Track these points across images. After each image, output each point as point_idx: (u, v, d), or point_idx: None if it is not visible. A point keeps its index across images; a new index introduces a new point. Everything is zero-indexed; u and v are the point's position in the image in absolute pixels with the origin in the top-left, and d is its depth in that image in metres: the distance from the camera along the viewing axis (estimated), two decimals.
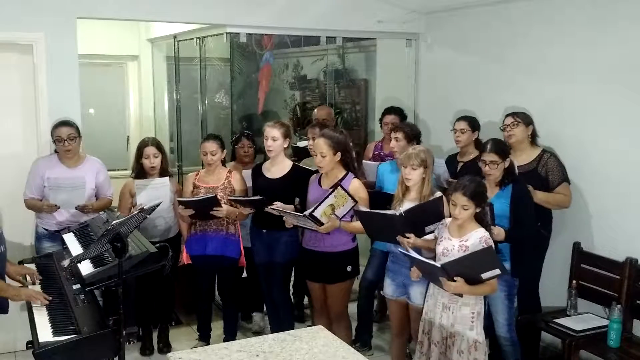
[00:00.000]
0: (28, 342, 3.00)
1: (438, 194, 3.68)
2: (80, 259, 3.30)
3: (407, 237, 3.53)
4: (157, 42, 7.20)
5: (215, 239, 4.44)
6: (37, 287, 3.50)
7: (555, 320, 4.02)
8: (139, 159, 4.51)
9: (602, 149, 4.19)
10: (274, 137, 4.23)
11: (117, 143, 7.38)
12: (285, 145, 4.30)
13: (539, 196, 4.00)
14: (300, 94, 7.86)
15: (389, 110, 5.18)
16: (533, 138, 4.27)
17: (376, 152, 5.20)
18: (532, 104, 4.49)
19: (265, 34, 6.63)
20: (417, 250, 3.51)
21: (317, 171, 4.14)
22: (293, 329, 3.85)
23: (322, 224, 3.82)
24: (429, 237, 3.60)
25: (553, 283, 4.40)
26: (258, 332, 4.96)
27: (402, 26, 5.59)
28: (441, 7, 5.43)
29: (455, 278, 3.22)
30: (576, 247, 4.29)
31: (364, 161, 4.94)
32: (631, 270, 3.95)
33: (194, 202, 4.31)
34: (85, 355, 2.93)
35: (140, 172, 4.52)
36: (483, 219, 3.40)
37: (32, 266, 3.76)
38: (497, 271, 3.21)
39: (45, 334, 2.96)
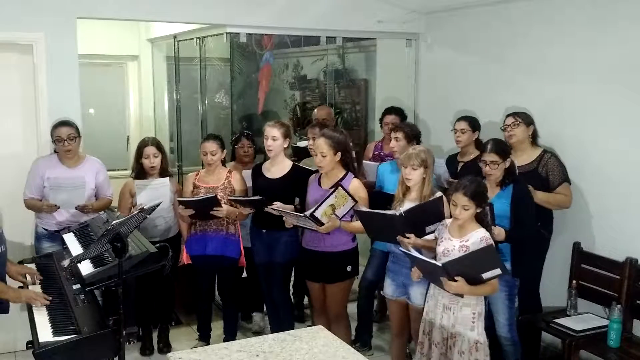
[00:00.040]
0: (28, 342, 3.00)
1: (438, 194, 3.68)
2: (80, 259, 3.30)
3: (407, 237, 3.53)
4: (157, 42, 7.20)
5: (215, 239, 4.44)
6: (37, 287, 3.50)
7: (555, 320, 4.02)
8: (139, 158, 4.51)
9: (603, 149, 4.19)
10: (274, 136, 4.23)
11: (117, 143, 7.38)
12: (285, 145, 4.30)
13: (539, 196, 4.00)
14: (300, 94, 7.86)
15: (389, 111, 5.17)
16: (534, 138, 4.27)
17: (376, 152, 5.20)
18: (532, 104, 4.49)
19: (265, 34, 6.63)
20: (418, 250, 3.51)
21: (316, 171, 4.14)
22: (293, 329, 3.85)
23: (322, 224, 3.82)
24: (430, 237, 3.59)
25: (553, 283, 4.40)
26: (258, 332, 4.96)
27: (402, 26, 5.59)
28: (441, 7, 5.43)
29: (456, 278, 3.21)
30: (576, 247, 4.29)
31: (364, 161, 4.94)
32: (631, 270, 3.95)
33: (194, 202, 4.31)
34: (85, 355, 2.93)
35: (140, 172, 4.52)
36: (484, 220, 3.40)
37: (32, 266, 3.76)
38: (498, 271, 3.21)
39: (45, 334, 2.96)
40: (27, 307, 3.30)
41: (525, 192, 3.82)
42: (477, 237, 3.31)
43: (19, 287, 3.59)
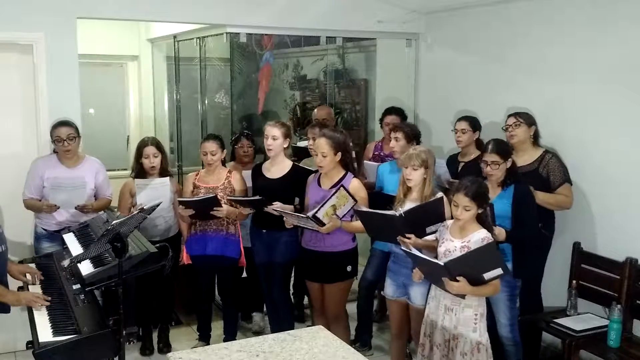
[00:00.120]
0: (28, 342, 3.01)
1: (439, 194, 3.67)
2: (80, 259, 3.30)
3: (408, 238, 3.53)
4: (157, 42, 7.20)
5: (215, 239, 4.44)
6: (37, 287, 3.50)
7: (555, 320, 4.02)
8: (139, 158, 4.51)
9: (603, 149, 4.18)
10: (274, 136, 4.23)
11: (117, 143, 7.38)
12: (285, 145, 4.30)
13: (540, 197, 3.99)
14: (300, 94, 7.85)
15: (389, 111, 5.17)
16: (535, 138, 4.26)
17: (376, 152, 5.20)
18: (532, 104, 4.49)
19: (265, 34, 6.63)
20: (418, 250, 3.50)
21: (316, 171, 4.14)
22: (293, 329, 3.85)
23: (323, 224, 3.82)
24: (430, 237, 3.59)
25: (553, 283, 4.40)
26: (258, 332, 4.96)
27: (402, 26, 5.59)
28: (441, 7, 5.43)
29: (457, 278, 3.21)
30: (576, 247, 4.29)
31: (364, 161, 4.95)
32: (631, 270, 3.95)
33: (194, 202, 4.31)
34: (85, 355, 2.93)
35: (140, 172, 4.52)
36: (485, 220, 3.38)
37: (32, 266, 3.76)
38: (500, 271, 3.19)
39: (45, 334, 2.96)
40: (27, 307, 3.30)
41: (527, 193, 3.81)
42: (479, 238, 3.30)
43: (19, 287, 3.60)
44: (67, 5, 4.51)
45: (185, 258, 4.54)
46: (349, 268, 4.08)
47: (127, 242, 3.04)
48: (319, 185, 4.07)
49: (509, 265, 3.67)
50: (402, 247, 3.52)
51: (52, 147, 4.40)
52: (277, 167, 4.31)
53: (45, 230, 4.37)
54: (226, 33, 5.20)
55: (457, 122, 4.65)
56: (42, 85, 4.51)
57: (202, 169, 4.60)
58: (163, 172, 4.53)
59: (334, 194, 3.79)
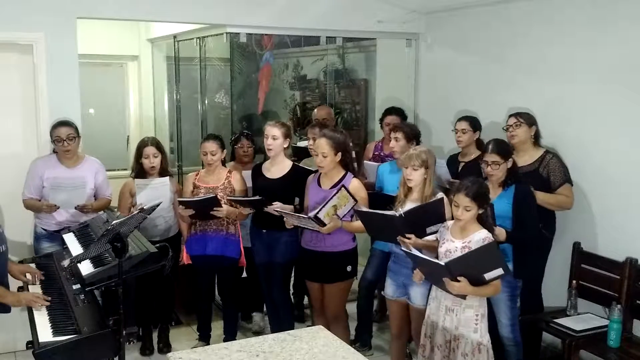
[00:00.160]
0: (28, 342, 3.00)
1: (440, 195, 3.67)
2: (80, 259, 3.30)
3: (408, 238, 3.53)
4: (157, 42, 7.20)
5: (215, 239, 4.44)
6: (37, 287, 3.50)
7: (555, 320, 4.02)
8: (139, 158, 4.51)
9: (603, 149, 4.18)
10: (274, 136, 4.23)
11: (117, 143, 7.38)
12: (286, 145, 4.30)
13: (540, 197, 3.99)
14: (300, 94, 7.85)
15: (389, 111, 5.17)
16: (536, 139, 4.26)
17: (376, 153, 5.20)
18: (532, 104, 4.49)
19: (265, 34, 6.63)
20: (418, 251, 3.50)
21: (316, 171, 4.14)
22: (293, 329, 3.85)
23: (324, 224, 3.82)
24: (431, 237, 3.58)
25: (553, 283, 4.40)
26: (258, 332, 4.96)
27: (402, 26, 5.59)
28: (441, 7, 5.43)
29: (458, 278, 3.20)
30: (576, 247, 4.29)
31: (365, 162, 4.95)
32: (631, 270, 3.95)
33: (194, 202, 4.31)
34: (85, 355, 2.93)
35: (140, 172, 4.52)
36: (486, 221, 3.38)
37: (32, 266, 3.76)
38: (501, 271, 3.18)
39: (45, 334, 2.97)
40: (27, 307, 3.30)
41: (527, 193, 3.80)
42: (479, 238, 3.30)
43: (19, 287, 3.60)
44: (67, 5, 4.51)
45: (185, 258, 4.54)
46: (349, 268, 4.08)
47: (127, 242, 3.04)
48: (319, 185, 4.07)
49: (510, 266, 3.67)
50: (402, 248, 3.52)
51: (52, 147, 4.40)
52: (277, 167, 4.31)
53: (45, 230, 4.37)
54: (226, 33, 5.20)
55: (457, 122, 4.65)
56: (42, 85, 4.51)
57: (202, 169, 4.60)
58: (163, 172, 4.53)
59: (335, 194, 3.79)
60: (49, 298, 3.28)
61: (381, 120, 5.23)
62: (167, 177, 4.54)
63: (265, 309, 4.97)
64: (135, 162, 4.57)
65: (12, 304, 3.36)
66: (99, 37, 6.51)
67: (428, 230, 3.58)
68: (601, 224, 4.23)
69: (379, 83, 6.51)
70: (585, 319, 4.03)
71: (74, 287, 3.35)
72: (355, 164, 4.15)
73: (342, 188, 3.81)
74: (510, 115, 4.29)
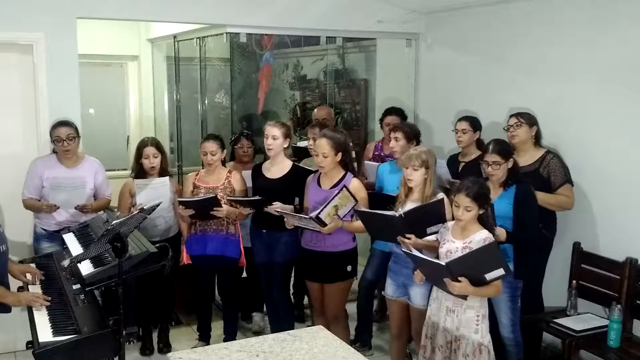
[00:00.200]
0: (28, 342, 3.00)
1: (440, 195, 3.66)
2: (80, 259, 3.30)
3: (408, 238, 3.53)
4: (157, 42, 7.20)
5: (215, 239, 4.44)
6: (37, 287, 3.50)
7: (555, 320, 4.02)
8: (139, 159, 4.51)
9: (603, 149, 4.18)
10: (274, 135, 4.23)
11: (117, 143, 7.38)
12: (286, 146, 4.30)
13: (540, 197, 3.98)
14: (300, 94, 7.85)
15: (389, 111, 5.17)
16: (537, 139, 4.26)
17: (376, 153, 5.19)
18: (532, 104, 4.49)
19: (265, 34, 6.63)
20: (419, 251, 3.50)
21: (316, 171, 4.14)
22: (293, 329, 3.85)
23: (325, 224, 3.82)
24: (431, 238, 3.58)
25: (554, 283, 4.40)
26: (258, 332, 4.96)
27: (402, 26, 5.59)
28: (441, 7, 5.43)
29: (459, 278, 3.19)
30: (576, 247, 4.29)
31: (365, 162, 4.95)
32: (631, 270, 3.95)
33: (194, 202, 4.31)
34: (85, 355, 2.93)
35: (140, 172, 4.52)
36: (486, 221, 3.37)
37: (32, 266, 3.76)
38: (502, 271, 3.17)
39: (45, 334, 2.96)
40: (27, 307, 3.30)
41: (528, 193, 3.78)
42: (480, 238, 3.29)
43: (19, 287, 3.60)
44: (67, 5, 4.51)
45: (185, 258, 4.54)
46: (349, 268, 4.08)
47: (127, 242, 3.04)
48: (319, 185, 4.07)
49: (510, 266, 3.66)
50: (402, 248, 3.52)
51: (52, 147, 4.40)
52: (277, 167, 4.31)
53: (44, 230, 4.37)
54: (226, 33, 5.20)
55: (457, 122, 4.65)
56: (42, 85, 4.51)
57: (202, 169, 4.60)
58: (163, 173, 4.53)
59: (336, 195, 3.79)
60: (49, 298, 3.28)
61: (381, 120, 5.23)
62: (167, 177, 4.54)
63: (265, 309, 4.97)
64: (135, 162, 4.57)
65: (12, 304, 3.36)
66: (99, 37, 6.51)
67: (428, 230, 3.57)
68: (601, 224, 4.23)
69: (379, 83, 6.51)
70: (585, 319, 4.03)
71: (74, 287, 3.35)
72: (355, 164, 4.15)
73: (344, 188, 3.81)
74: (511, 116, 4.29)
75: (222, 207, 4.27)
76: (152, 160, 4.47)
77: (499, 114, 4.71)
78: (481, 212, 3.33)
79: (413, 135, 4.32)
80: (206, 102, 6.44)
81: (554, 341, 4.32)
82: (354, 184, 3.96)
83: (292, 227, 4.06)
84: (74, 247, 3.75)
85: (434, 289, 3.52)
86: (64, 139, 4.26)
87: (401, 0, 5.45)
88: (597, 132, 4.22)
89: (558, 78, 4.47)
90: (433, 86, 5.70)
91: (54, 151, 4.39)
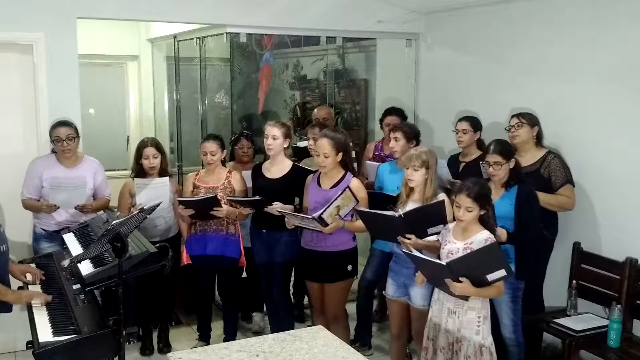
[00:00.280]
0: (28, 342, 3.00)
1: (441, 196, 3.66)
2: (80, 259, 3.30)
3: (408, 239, 3.52)
4: (157, 42, 7.20)
5: (215, 239, 4.44)
6: (37, 287, 3.50)
7: (555, 320, 4.02)
8: (139, 159, 4.51)
9: (603, 149, 4.18)
10: (274, 135, 4.23)
11: (117, 143, 7.38)
12: (286, 146, 4.30)
13: (541, 197, 3.95)
14: (300, 94, 7.85)
15: (389, 111, 5.17)
16: (538, 139, 4.25)
17: (376, 153, 5.19)
18: (532, 104, 4.49)
19: (265, 34, 6.63)
20: (419, 251, 3.49)
21: (316, 171, 4.14)
22: (293, 329, 3.85)
23: (327, 224, 3.82)
24: (432, 238, 3.58)
25: (554, 283, 4.40)
26: (258, 332, 4.96)
27: (402, 26, 5.59)
28: (441, 7, 5.43)
29: (460, 279, 3.18)
30: (576, 247, 4.29)
31: (366, 162, 4.95)
32: (631, 270, 3.95)
33: (194, 202, 4.31)
34: (85, 355, 2.93)
35: (139, 172, 4.52)
36: (487, 222, 3.36)
37: (33, 266, 3.76)
38: (503, 272, 3.16)
39: (45, 334, 2.96)
40: (27, 307, 3.30)
41: (530, 194, 3.77)
42: (481, 239, 3.28)
43: (19, 287, 3.60)
44: (67, 5, 4.51)
45: (185, 258, 4.54)
46: (349, 267, 4.08)
47: (127, 242, 3.03)
48: (319, 185, 4.07)
49: (512, 267, 3.66)
50: (403, 248, 3.52)
51: (52, 147, 4.40)
52: (277, 167, 4.31)
53: (44, 230, 4.37)
54: (226, 33, 5.21)
55: (458, 122, 4.64)
56: (42, 85, 4.51)
57: (202, 169, 4.60)
58: (163, 173, 4.53)
59: (339, 195, 3.79)
60: (50, 297, 3.28)
61: (381, 120, 5.23)
62: (167, 177, 4.54)
63: (265, 309, 4.97)
64: (135, 162, 4.57)
65: (13, 302, 3.36)
66: (99, 37, 6.51)
67: (429, 231, 3.57)
68: (602, 224, 4.22)
69: (379, 83, 6.51)
70: (585, 319, 4.03)
71: (74, 287, 3.35)
72: (355, 164, 4.15)
73: (347, 189, 3.81)
74: (513, 116, 4.29)
75: (222, 207, 4.27)
76: (152, 160, 4.47)
77: (499, 114, 4.71)
78: (482, 212, 3.32)
79: (413, 135, 4.32)
80: (206, 102, 6.44)
81: (554, 341, 4.32)
82: (354, 183, 3.96)
83: (293, 227, 4.06)
84: (74, 247, 3.75)
85: (436, 290, 3.51)
86: (64, 139, 4.26)
87: (401, 0, 5.45)
88: (597, 132, 4.22)
89: (558, 78, 4.47)
90: (433, 86, 5.70)
91: (53, 151, 4.39)
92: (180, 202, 4.33)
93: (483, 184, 3.40)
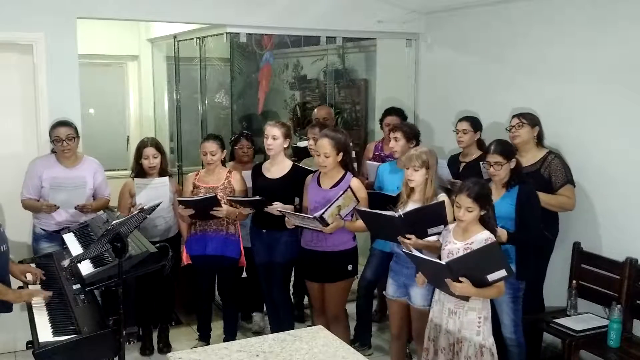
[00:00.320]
0: (28, 342, 3.01)
1: (441, 197, 3.65)
2: (80, 259, 3.30)
3: (408, 239, 3.52)
4: (157, 42, 7.20)
5: (215, 239, 4.44)
6: (38, 287, 3.50)
7: (555, 320, 4.02)
8: (139, 159, 4.52)
9: (603, 149, 4.18)
10: (274, 135, 4.23)
11: (117, 143, 7.38)
12: (286, 146, 4.30)
13: (541, 197, 3.96)
14: (300, 94, 7.85)
15: (389, 111, 5.17)
16: (539, 139, 4.25)
17: (376, 153, 5.19)
18: (532, 104, 4.49)
19: (265, 34, 6.63)
20: (419, 251, 3.49)
21: (316, 171, 4.14)
22: (293, 329, 3.85)
23: (327, 224, 3.82)
24: (432, 238, 3.57)
25: (554, 283, 4.40)
26: (258, 332, 4.96)
27: (402, 26, 5.59)
28: (441, 7, 5.43)
29: (460, 279, 3.17)
30: (576, 247, 4.29)
31: (367, 162, 4.95)
32: (631, 270, 3.95)
33: (194, 201, 4.31)
34: (85, 355, 2.93)
35: (139, 172, 4.52)
36: (488, 222, 3.36)
37: (33, 266, 3.76)
38: (504, 272, 3.15)
39: (45, 334, 2.97)
40: (27, 307, 3.31)
41: (531, 194, 3.76)
42: (482, 239, 3.27)
43: (19, 287, 3.60)
44: (67, 5, 4.51)
45: (185, 258, 4.54)
46: (349, 267, 4.08)
47: (127, 242, 3.04)
48: (319, 185, 4.07)
49: (512, 267, 3.66)
50: (403, 248, 3.52)
51: (51, 147, 4.40)
52: (277, 167, 4.31)
53: (44, 230, 4.37)
54: (226, 33, 5.21)
55: (458, 122, 4.64)
56: (42, 85, 4.51)
57: (202, 169, 4.60)
58: (162, 173, 4.53)
59: (341, 195, 3.79)
60: (50, 293, 3.28)
61: (381, 120, 5.23)
62: (167, 177, 4.54)
63: (265, 309, 4.97)
64: (135, 162, 4.57)
65: (13, 301, 3.36)
66: (99, 37, 6.51)
67: (429, 231, 3.56)
68: (602, 224, 4.22)
69: (379, 83, 6.51)
70: (585, 319, 4.03)
71: (74, 287, 3.36)
72: (355, 164, 4.15)
73: (349, 189, 3.81)
74: (514, 116, 4.29)
75: (222, 207, 4.27)
76: (151, 160, 4.47)
77: (499, 114, 4.71)
78: (482, 213, 3.32)
79: (412, 135, 4.32)
80: (206, 102, 6.44)
81: (554, 341, 4.32)
82: (354, 183, 3.96)
83: (293, 226, 4.06)
84: (74, 247, 3.75)
85: (436, 291, 3.51)
86: (64, 139, 4.26)
87: (401, 0, 5.45)
88: (597, 132, 4.22)
89: (558, 78, 4.47)
90: (433, 86, 5.70)
91: (53, 151, 4.39)
92: (180, 202, 4.33)
93: (483, 184, 3.39)
